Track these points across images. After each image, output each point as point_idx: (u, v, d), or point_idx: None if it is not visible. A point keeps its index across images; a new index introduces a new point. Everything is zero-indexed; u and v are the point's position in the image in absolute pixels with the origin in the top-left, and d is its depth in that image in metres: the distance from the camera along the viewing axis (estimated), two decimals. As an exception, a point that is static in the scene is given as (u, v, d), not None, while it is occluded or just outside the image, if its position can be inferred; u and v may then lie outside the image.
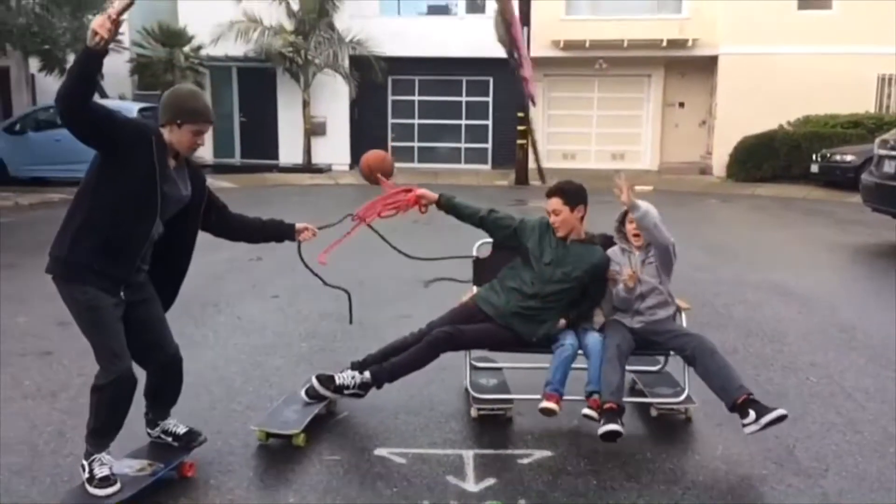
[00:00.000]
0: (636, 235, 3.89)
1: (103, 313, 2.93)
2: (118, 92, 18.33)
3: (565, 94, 20.07)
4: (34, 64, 16.59)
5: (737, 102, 17.98)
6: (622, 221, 3.98)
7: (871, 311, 6.43)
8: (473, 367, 4.18)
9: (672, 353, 3.93)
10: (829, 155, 15.33)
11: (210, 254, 7.62)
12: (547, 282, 3.77)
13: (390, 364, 3.74)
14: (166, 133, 2.98)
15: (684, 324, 3.97)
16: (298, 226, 3.57)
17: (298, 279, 7.30)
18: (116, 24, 2.57)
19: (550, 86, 20.02)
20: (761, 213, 13.02)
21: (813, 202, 14.28)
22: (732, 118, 17.87)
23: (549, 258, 3.80)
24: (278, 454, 3.57)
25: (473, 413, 3.93)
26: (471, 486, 3.31)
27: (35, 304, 6.02)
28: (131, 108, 14.14)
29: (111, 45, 2.64)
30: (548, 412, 3.61)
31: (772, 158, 16.84)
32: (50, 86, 17.01)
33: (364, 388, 3.76)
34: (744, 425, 3.44)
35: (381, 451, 3.60)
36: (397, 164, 18.01)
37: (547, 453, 3.60)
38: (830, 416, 4.12)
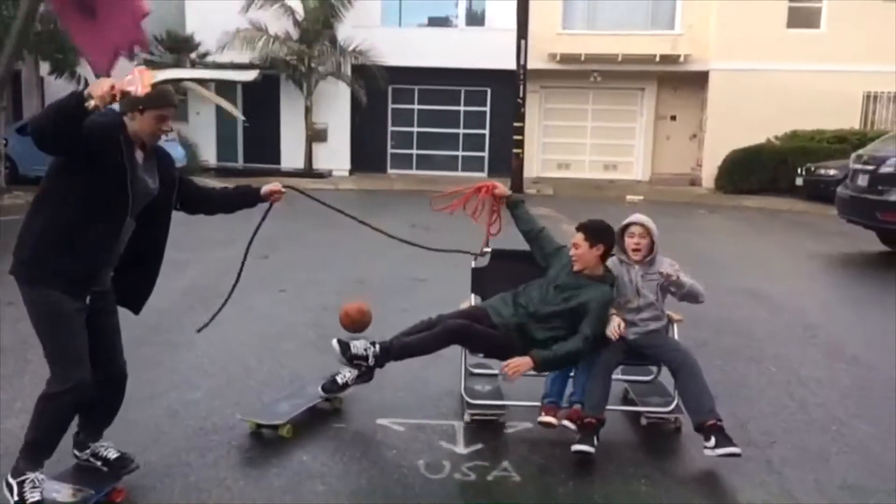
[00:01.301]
0: (636, 250, 3.98)
1: (67, 318, 2.82)
2: (125, 95, 18.78)
3: (561, 106, 20.61)
4: (44, 68, 17.08)
5: (726, 117, 18.54)
6: (622, 235, 4.03)
7: (836, 313, 6.93)
8: (469, 374, 4.26)
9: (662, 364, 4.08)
10: (813, 169, 15.87)
11: (220, 250, 8.09)
12: (547, 303, 3.83)
13: (400, 343, 3.81)
14: (129, 122, 2.86)
15: (676, 336, 4.06)
16: (265, 189, 3.48)
17: (303, 275, 7.82)
18: (115, 98, 2.52)
19: (546, 97, 20.57)
20: (746, 223, 13.54)
21: (796, 214, 14.79)
22: (722, 132, 18.42)
23: (558, 283, 3.87)
24: (318, 409, 4.04)
25: (466, 418, 4.04)
26: (461, 449, 3.78)
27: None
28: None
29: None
30: (547, 425, 3.75)
31: (759, 171, 17.38)
32: (59, 89, 17.50)
33: (377, 360, 3.80)
34: (704, 446, 3.62)
35: (382, 421, 4.06)
36: (397, 171, 18.86)
37: (530, 426, 4.03)
38: (784, 399, 4.60)
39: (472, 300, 4.34)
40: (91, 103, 2.47)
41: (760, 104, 18.10)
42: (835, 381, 4.97)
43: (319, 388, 4.01)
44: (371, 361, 3.80)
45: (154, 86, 2.62)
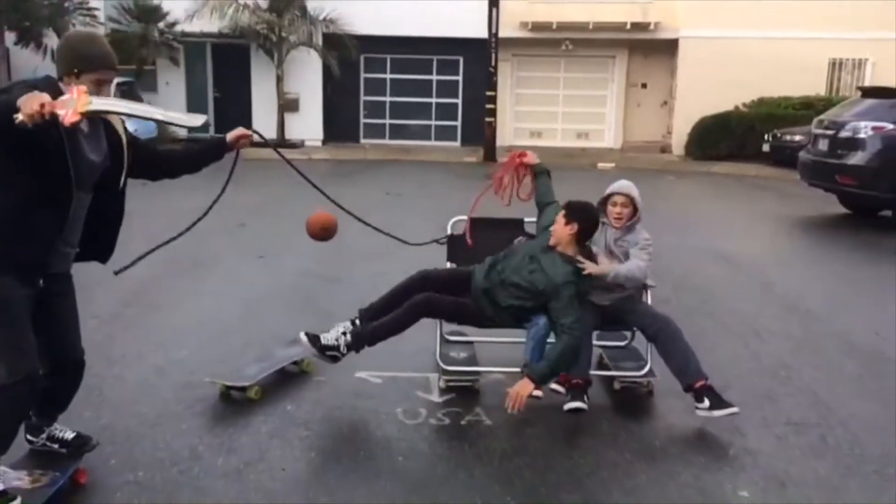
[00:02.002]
0: (617, 218, 4.00)
1: (13, 308, 2.69)
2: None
3: (533, 74, 20.73)
4: (10, 38, 16.85)
5: (696, 84, 18.79)
6: (605, 202, 4.06)
7: (793, 271, 7.26)
8: (445, 340, 4.27)
9: (636, 329, 4.14)
10: (779, 135, 16.22)
11: (192, 219, 8.21)
12: (517, 272, 3.77)
13: (371, 328, 3.80)
14: (64, 89, 2.61)
15: (650, 300, 4.13)
16: (231, 136, 3.26)
17: (282, 242, 7.97)
18: (44, 117, 2.32)
19: (518, 65, 20.66)
20: (713, 188, 13.88)
21: (762, 179, 15.16)
22: (692, 99, 18.69)
23: (532, 254, 3.83)
24: (275, 376, 4.22)
25: (441, 384, 4.11)
26: (435, 398, 4.03)
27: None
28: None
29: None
30: (534, 397, 3.67)
31: (727, 138, 17.70)
32: (25, 59, 17.28)
33: (349, 348, 3.78)
34: (696, 408, 3.71)
35: (361, 374, 4.29)
36: (370, 141, 18.90)
37: (502, 377, 4.23)
38: (739, 350, 4.90)
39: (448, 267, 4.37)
40: (18, 117, 2.29)
41: (729, 71, 18.35)
42: (787, 333, 5.28)
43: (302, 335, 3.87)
44: (343, 350, 3.76)
45: (85, 114, 2.42)
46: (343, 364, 4.41)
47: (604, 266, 3.84)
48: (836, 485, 3.27)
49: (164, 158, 3.29)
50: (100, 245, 3.00)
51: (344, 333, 3.78)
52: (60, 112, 2.34)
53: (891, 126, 9.10)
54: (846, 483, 3.29)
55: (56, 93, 2.48)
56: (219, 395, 3.96)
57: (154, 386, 4.12)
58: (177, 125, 2.57)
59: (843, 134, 9.45)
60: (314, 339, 3.77)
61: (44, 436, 3.09)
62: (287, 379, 4.23)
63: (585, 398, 3.75)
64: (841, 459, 3.50)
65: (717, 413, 3.66)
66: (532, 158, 4.36)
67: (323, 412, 3.84)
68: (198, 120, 2.60)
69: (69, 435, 3.12)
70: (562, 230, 3.77)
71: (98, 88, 2.65)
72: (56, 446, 3.09)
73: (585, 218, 3.78)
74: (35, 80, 2.70)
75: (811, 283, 6.82)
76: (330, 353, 3.76)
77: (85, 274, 3.11)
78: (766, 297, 6.23)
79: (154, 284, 6.01)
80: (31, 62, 16.76)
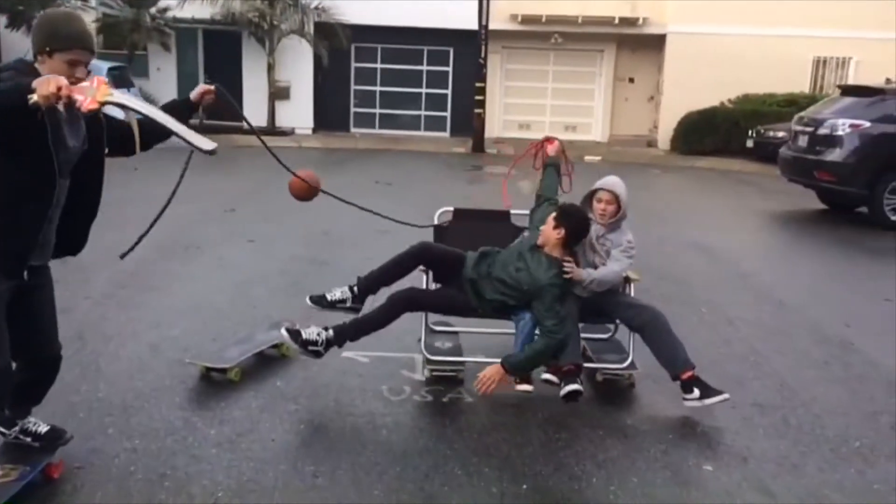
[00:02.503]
0: (601, 214, 4.04)
1: None
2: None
3: (522, 67, 20.87)
4: (1, 21, 16.84)
5: (682, 79, 19.00)
6: (591, 197, 4.11)
7: (770, 263, 7.49)
8: (430, 330, 4.33)
9: (619, 321, 4.20)
10: (763, 131, 16.47)
11: (184, 204, 8.32)
12: (502, 268, 3.80)
13: (354, 322, 3.85)
14: (41, 67, 2.56)
15: (632, 293, 4.17)
16: (195, 93, 3.14)
17: (271, 228, 8.12)
18: (60, 100, 2.28)
19: (508, 58, 20.79)
20: (697, 182, 14.11)
21: (746, 174, 15.40)
22: (678, 94, 18.89)
23: (521, 251, 3.84)
24: (266, 355, 4.38)
25: (426, 374, 4.16)
26: (419, 376, 4.20)
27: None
28: (101, 67, 14.59)
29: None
30: (523, 392, 3.82)
31: (712, 133, 17.94)
32: (16, 41, 17.25)
33: (327, 345, 3.78)
34: (685, 398, 3.79)
35: (348, 354, 4.43)
36: (360, 130, 19.05)
37: (487, 360, 4.38)
38: (712, 337, 5.11)
39: None
40: (33, 98, 2.25)
41: (715, 68, 18.57)
42: (759, 322, 5.49)
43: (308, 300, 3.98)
44: (323, 347, 3.76)
45: (103, 104, 2.39)
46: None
47: (580, 272, 3.85)
48: (795, 461, 3.47)
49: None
50: (73, 237, 2.93)
51: (326, 328, 3.78)
52: (78, 98, 2.32)
53: (868, 124, 9.34)
54: (804, 460, 3.49)
55: (32, 75, 2.40)
56: (200, 376, 4.05)
57: (148, 362, 4.27)
58: (187, 142, 2.56)
59: (822, 131, 9.67)
60: (295, 334, 3.75)
61: (16, 429, 3.03)
62: (274, 359, 4.38)
63: (579, 381, 3.76)
64: (801, 438, 3.70)
65: (707, 402, 3.73)
66: (556, 148, 4.39)
67: (311, 389, 4.01)
68: (208, 145, 2.51)
69: (42, 429, 3.07)
70: (550, 233, 3.77)
71: (72, 70, 2.53)
72: (29, 440, 3.03)
73: (575, 225, 3.79)
74: (7, 63, 2.63)
75: (786, 276, 7.04)
76: (312, 349, 3.75)
77: (80, 257, 3.13)
78: (742, 288, 6.45)
79: (147, 267, 6.14)
80: (22, 45, 16.76)
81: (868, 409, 4.06)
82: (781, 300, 6.08)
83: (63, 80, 2.27)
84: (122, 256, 3.16)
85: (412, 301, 3.86)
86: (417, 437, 3.58)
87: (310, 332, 3.76)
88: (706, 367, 4.43)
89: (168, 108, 2.93)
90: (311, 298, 4.01)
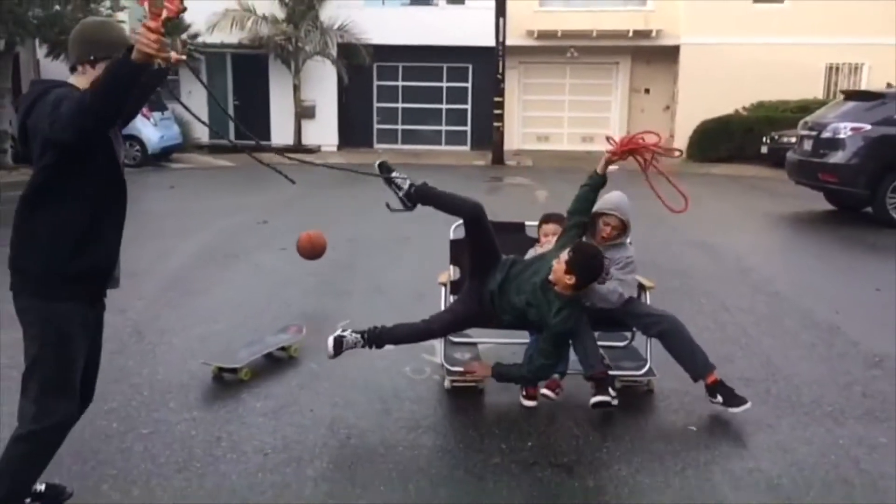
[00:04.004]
0: (605, 237, 4.14)
1: (74, 341, 2.54)
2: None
3: (539, 81, 21.43)
4: (40, 51, 17.74)
5: (697, 89, 19.41)
6: (596, 217, 4.14)
7: (771, 260, 7.90)
8: (449, 342, 4.47)
9: (637, 330, 4.29)
10: (777, 137, 16.80)
11: (222, 219, 8.98)
12: (517, 292, 3.82)
13: (385, 332, 4.05)
14: (79, 80, 2.49)
15: (648, 301, 4.30)
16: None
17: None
18: (159, 34, 2.20)
19: (525, 72, 21.37)
20: (709, 188, 14.46)
21: (759, 179, 15.74)
22: (693, 103, 19.30)
23: (534, 280, 3.80)
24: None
25: (447, 385, 4.27)
26: (438, 359, 4.68)
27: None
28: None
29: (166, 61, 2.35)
30: (547, 398, 4.02)
31: (727, 141, 18.31)
32: (54, 70, 18.16)
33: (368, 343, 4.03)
34: (711, 400, 3.95)
35: (375, 341, 4.96)
36: (383, 146, 19.85)
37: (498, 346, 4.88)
38: (707, 322, 5.55)
39: (452, 272, 4.54)
40: (139, 56, 2.21)
41: (729, 76, 18.96)
42: (754, 310, 5.93)
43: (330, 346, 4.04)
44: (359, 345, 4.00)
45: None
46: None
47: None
48: (771, 423, 3.92)
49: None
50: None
51: (361, 334, 4.01)
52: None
53: (869, 127, 9.72)
54: (779, 422, 3.94)
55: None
56: (212, 376, 4.36)
57: (198, 350, 4.82)
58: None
59: (825, 134, 10.07)
60: (338, 345, 3.99)
61: None
62: (308, 346, 4.89)
63: (610, 391, 3.86)
64: (779, 405, 4.15)
65: (732, 410, 3.87)
66: (649, 141, 4.00)
67: (343, 370, 4.52)
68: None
69: (41, 487, 2.86)
70: (562, 276, 3.67)
71: None
72: (28, 500, 2.80)
73: (586, 273, 3.68)
74: (53, 81, 2.51)
75: (785, 270, 7.46)
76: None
77: (129, 265, 3.31)
78: (741, 281, 6.88)
79: (190, 273, 6.73)
80: (61, 73, 17.64)
81: (843, 381, 4.49)
82: (777, 291, 6.51)
83: (150, 24, 2.22)
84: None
85: (434, 335, 4.16)
86: (436, 408, 4.08)
87: (348, 341, 4.01)
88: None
89: (148, 76, 2.64)
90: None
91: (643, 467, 3.44)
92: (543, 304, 3.73)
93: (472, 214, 3.88)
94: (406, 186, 3.99)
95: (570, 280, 3.66)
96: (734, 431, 3.82)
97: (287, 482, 3.25)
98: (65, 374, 2.54)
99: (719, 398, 3.92)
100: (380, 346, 4.05)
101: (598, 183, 4.06)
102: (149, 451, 3.49)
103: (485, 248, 3.95)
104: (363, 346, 4.01)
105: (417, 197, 3.97)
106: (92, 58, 2.51)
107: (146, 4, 2.31)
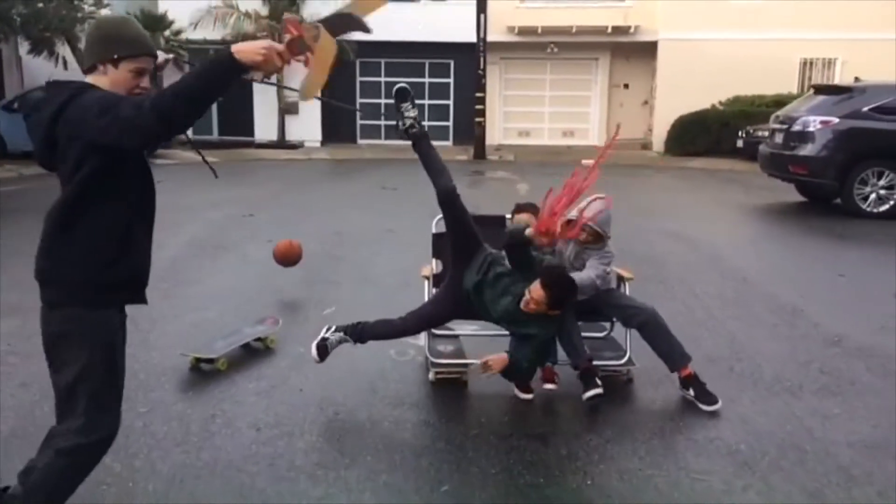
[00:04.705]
0: (583, 242, 4.19)
1: (116, 353, 2.46)
2: (101, 73, 19.52)
3: (520, 76, 21.72)
4: (23, 48, 17.75)
5: (675, 84, 19.77)
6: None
7: (742, 249, 8.20)
8: (432, 335, 4.50)
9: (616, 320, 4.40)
10: (752, 131, 17.14)
11: (210, 211, 9.15)
12: (491, 302, 3.84)
13: (373, 328, 4.21)
14: (99, 80, 2.36)
15: (627, 292, 4.41)
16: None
17: (288, 230, 8.88)
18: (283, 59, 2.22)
19: (506, 68, 21.64)
20: (686, 181, 14.84)
21: (735, 173, 16.11)
22: (671, 98, 19.67)
23: (507, 304, 3.78)
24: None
25: (431, 377, 4.33)
26: (421, 342, 4.91)
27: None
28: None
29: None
30: (550, 390, 4.16)
31: (704, 135, 18.67)
32: (38, 67, 18.17)
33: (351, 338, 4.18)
34: (683, 393, 4.12)
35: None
36: (366, 141, 20.07)
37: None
38: (678, 307, 5.82)
39: (434, 265, 4.64)
40: (253, 59, 2.18)
41: (706, 71, 19.34)
42: (722, 295, 6.22)
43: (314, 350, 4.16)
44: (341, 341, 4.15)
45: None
46: (346, 319, 5.35)
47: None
48: (733, 397, 4.18)
49: None
50: None
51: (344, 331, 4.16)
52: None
53: (837, 120, 10.05)
54: (741, 396, 4.21)
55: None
56: (189, 366, 4.47)
57: (191, 336, 5.02)
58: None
59: (795, 127, 10.39)
60: (322, 349, 4.13)
61: None
62: (301, 326, 5.12)
63: (597, 381, 3.96)
64: (741, 381, 4.42)
65: (702, 407, 3.97)
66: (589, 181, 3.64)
67: (331, 354, 4.74)
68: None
69: None
70: (535, 307, 3.65)
71: (137, 79, 2.40)
72: None
73: (562, 301, 3.67)
74: (76, 82, 2.38)
75: (754, 258, 7.76)
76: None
77: None
78: (711, 269, 7.17)
79: (182, 264, 6.92)
80: (43, 70, 17.67)
81: (803, 359, 4.77)
82: (746, 278, 6.80)
83: (274, 47, 2.22)
84: None
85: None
86: (420, 387, 4.31)
87: (332, 341, 4.17)
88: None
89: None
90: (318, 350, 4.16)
91: (613, 437, 3.69)
92: (519, 323, 3.78)
93: (446, 188, 3.95)
94: (406, 125, 4.17)
95: (544, 308, 3.63)
96: (697, 405, 4.08)
97: (279, 453, 3.47)
98: (113, 384, 2.46)
99: (691, 392, 4.06)
100: (363, 341, 4.22)
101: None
102: (148, 428, 3.70)
103: (463, 232, 4.00)
104: (347, 342, 4.18)
105: (410, 138, 4.17)
106: (116, 56, 2.37)
107: (292, 31, 2.29)
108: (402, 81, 4.77)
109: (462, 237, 4.04)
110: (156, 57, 2.50)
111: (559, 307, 3.67)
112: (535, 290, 3.60)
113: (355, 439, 3.64)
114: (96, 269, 2.37)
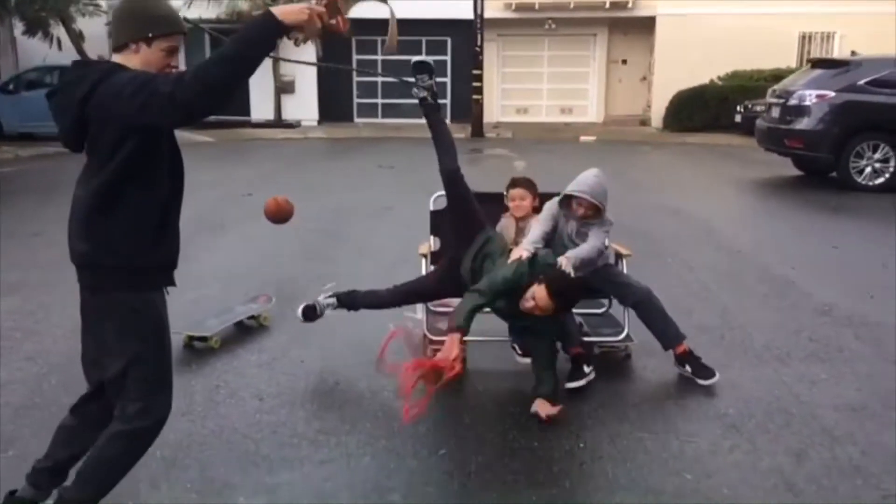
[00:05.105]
0: (581, 217, 4.06)
1: (168, 329, 2.46)
2: (97, 53, 19.46)
3: (518, 53, 21.66)
4: (17, 28, 17.73)
5: (673, 59, 19.74)
6: (568, 199, 4.07)
7: (737, 222, 8.30)
8: (430, 312, 4.48)
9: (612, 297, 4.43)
10: (750, 106, 17.16)
11: (205, 190, 9.22)
12: (495, 292, 3.61)
13: (359, 296, 4.40)
14: (129, 59, 2.28)
15: (625, 269, 4.41)
16: None
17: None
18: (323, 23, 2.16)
19: (503, 45, 21.59)
20: (683, 157, 14.88)
21: (732, 148, 16.14)
22: (669, 74, 19.64)
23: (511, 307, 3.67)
24: (288, 300, 5.20)
25: (429, 353, 4.15)
26: (419, 315, 5.01)
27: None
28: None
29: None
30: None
31: (703, 110, 18.69)
32: (32, 48, 18.14)
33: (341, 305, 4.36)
34: (679, 370, 4.10)
35: (360, 301, 5.28)
36: (363, 120, 20.09)
37: (487, 339, 4.69)
38: (672, 280, 5.91)
39: (432, 242, 4.63)
40: (297, 37, 2.19)
41: (704, 46, 19.31)
42: (715, 267, 6.31)
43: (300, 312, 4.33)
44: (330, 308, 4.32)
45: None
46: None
47: (567, 265, 3.77)
48: (723, 363, 4.27)
49: None
50: None
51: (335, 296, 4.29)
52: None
53: (833, 94, 10.09)
54: (731, 362, 4.31)
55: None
56: (183, 344, 4.47)
57: (193, 311, 5.09)
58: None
59: (792, 101, 10.43)
60: (311, 310, 4.29)
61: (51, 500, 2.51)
62: (297, 306, 5.19)
63: (585, 368, 3.97)
64: (732, 349, 4.53)
65: (700, 381, 3.98)
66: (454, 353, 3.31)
67: (330, 327, 4.82)
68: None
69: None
70: (541, 308, 3.46)
71: (168, 58, 2.33)
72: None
73: (567, 303, 3.61)
74: (102, 61, 2.34)
75: (748, 231, 7.85)
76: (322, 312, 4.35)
77: None
78: (706, 242, 7.26)
79: (181, 243, 6.99)
80: (38, 51, 17.65)
81: (793, 328, 4.88)
82: (740, 250, 6.89)
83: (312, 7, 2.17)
84: None
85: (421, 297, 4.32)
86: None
87: (321, 304, 4.33)
88: (666, 305, 5.27)
89: None
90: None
91: (604, 402, 3.80)
92: (532, 320, 3.65)
93: (449, 168, 3.97)
94: (421, 95, 4.18)
95: (550, 310, 3.47)
96: (696, 381, 4.18)
97: (282, 421, 3.58)
98: (166, 364, 2.45)
99: (688, 368, 4.05)
100: (355, 309, 4.34)
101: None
102: (154, 399, 3.81)
103: (464, 213, 4.00)
104: (336, 308, 4.33)
105: (423, 108, 4.21)
106: (150, 35, 2.28)
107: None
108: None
109: (462, 217, 4.05)
110: (186, 34, 2.39)
111: (566, 310, 3.72)
112: (541, 299, 3.41)
113: (355, 408, 3.75)
114: (138, 252, 2.34)
